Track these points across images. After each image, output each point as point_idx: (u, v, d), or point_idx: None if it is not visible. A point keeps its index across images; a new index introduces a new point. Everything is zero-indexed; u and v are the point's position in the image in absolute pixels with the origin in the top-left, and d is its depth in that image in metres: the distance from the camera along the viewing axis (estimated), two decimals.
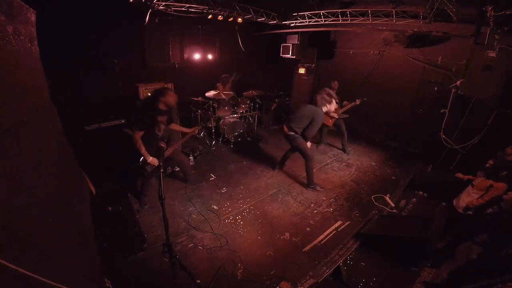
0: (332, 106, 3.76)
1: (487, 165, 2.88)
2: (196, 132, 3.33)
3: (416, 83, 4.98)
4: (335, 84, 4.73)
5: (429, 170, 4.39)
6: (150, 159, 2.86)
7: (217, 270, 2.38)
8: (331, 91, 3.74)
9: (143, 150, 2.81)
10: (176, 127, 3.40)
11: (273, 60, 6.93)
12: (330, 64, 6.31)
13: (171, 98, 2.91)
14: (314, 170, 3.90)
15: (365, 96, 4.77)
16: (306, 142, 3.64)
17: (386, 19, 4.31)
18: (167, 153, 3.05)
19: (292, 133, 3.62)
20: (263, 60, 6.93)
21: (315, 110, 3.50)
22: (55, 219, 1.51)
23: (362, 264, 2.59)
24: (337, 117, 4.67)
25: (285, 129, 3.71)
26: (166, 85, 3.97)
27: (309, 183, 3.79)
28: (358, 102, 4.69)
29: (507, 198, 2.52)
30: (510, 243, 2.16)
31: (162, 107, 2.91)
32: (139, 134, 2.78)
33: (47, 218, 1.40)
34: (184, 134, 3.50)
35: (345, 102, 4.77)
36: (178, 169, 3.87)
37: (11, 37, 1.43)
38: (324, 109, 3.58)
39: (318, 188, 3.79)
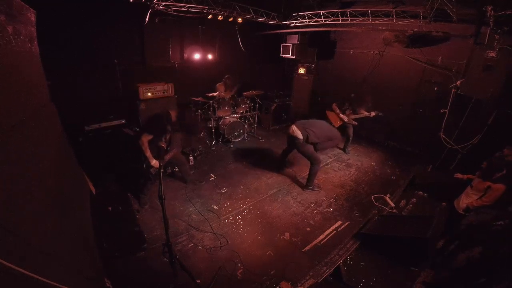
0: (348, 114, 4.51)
1: (483, 165, 2.86)
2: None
3: (416, 83, 4.97)
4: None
5: (429, 170, 4.39)
6: (154, 161, 2.94)
7: (217, 270, 2.38)
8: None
9: (148, 153, 2.90)
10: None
11: (273, 60, 6.92)
12: (330, 64, 6.31)
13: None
14: None
15: (365, 95, 4.77)
16: (316, 151, 3.67)
17: (386, 19, 4.31)
18: (166, 158, 3.06)
19: (301, 138, 3.51)
20: (263, 60, 6.93)
21: (335, 133, 3.78)
22: (55, 219, 1.51)
23: (362, 264, 2.58)
24: (346, 120, 4.73)
25: (295, 130, 3.55)
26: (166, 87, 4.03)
27: (307, 185, 3.78)
28: (372, 114, 4.73)
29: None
30: (509, 243, 2.16)
31: (169, 128, 3.05)
32: (147, 138, 2.86)
33: (47, 218, 1.40)
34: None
35: (361, 111, 4.74)
36: (178, 169, 3.87)
37: (11, 37, 1.43)
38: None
39: (315, 188, 3.79)
